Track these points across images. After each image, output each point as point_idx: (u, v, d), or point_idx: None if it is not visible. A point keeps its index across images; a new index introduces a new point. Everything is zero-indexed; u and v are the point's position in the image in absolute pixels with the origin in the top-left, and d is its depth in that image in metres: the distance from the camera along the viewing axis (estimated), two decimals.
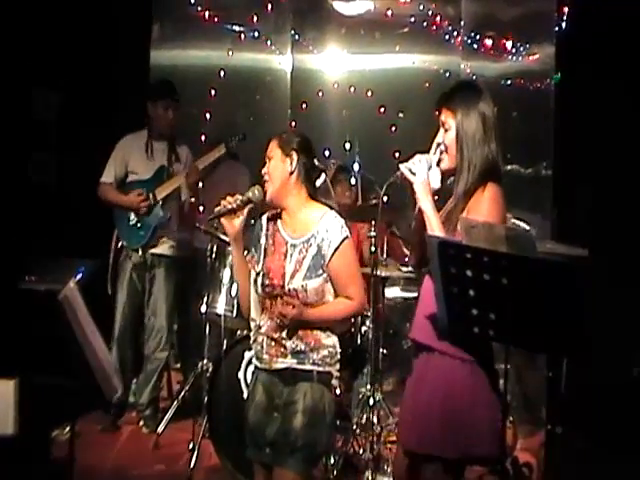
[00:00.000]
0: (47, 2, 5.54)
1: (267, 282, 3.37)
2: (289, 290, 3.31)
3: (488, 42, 6.31)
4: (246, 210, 3.40)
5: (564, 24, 5.92)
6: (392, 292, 5.44)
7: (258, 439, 3.36)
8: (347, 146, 6.44)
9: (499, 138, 3.05)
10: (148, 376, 5.38)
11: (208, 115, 6.48)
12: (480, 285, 2.68)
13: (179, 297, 5.55)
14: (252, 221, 3.55)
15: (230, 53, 6.67)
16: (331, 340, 3.38)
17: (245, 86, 6.61)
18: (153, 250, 5.35)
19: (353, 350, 4.97)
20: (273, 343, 3.35)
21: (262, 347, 3.38)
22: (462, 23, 6.45)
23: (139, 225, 5.30)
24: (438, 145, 3.06)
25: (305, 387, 3.31)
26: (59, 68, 5.67)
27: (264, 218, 3.50)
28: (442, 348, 2.97)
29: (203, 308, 4.96)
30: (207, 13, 6.61)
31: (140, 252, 5.31)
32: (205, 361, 5.06)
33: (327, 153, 6.45)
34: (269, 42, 6.74)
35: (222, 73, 6.60)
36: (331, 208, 3.40)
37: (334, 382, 3.41)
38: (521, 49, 6.20)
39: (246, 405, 3.46)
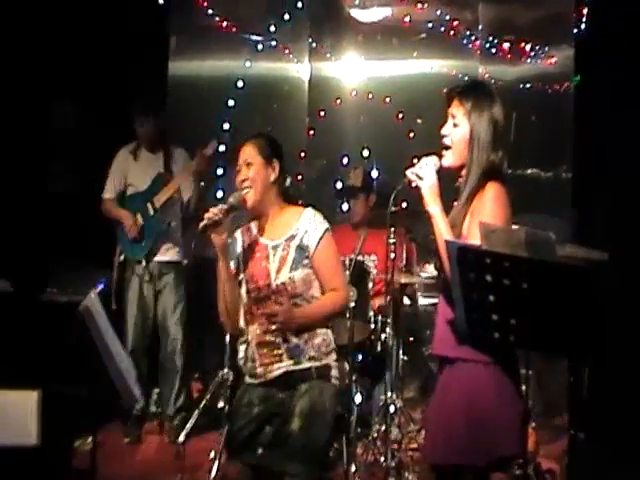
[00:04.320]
0: (65, 14, 5.59)
1: (252, 286, 3.38)
2: (277, 286, 3.32)
3: (506, 46, 6.28)
4: (229, 218, 3.42)
5: (583, 26, 5.88)
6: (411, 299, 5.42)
7: (251, 443, 3.35)
8: (365, 153, 6.44)
9: (507, 143, 3.03)
10: (169, 386, 5.36)
11: (227, 125, 6.49)
12: (500, 290, 2.65)
13: (194, 304, 5.52)
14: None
15: (248, 63, 6.68)
16: (323, 329, 3.40)
17: (263, 95, 6.61)
18: (158, 258, 5.33)
19: (373, 357, 4.97)
20: (265, 350, 3.34)
21: (254, 360, 3.37)
22: (480, 27, 6.43)
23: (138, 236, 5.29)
24: (443, 137, 3.02)
25: (304, 387, 3.31)
26: (78, 80, 5.71)
27: (238, 233, 3.54)
28: (462, 355, 2.93)
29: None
30: (224, 23, 6.62)
31: (144, 263, 5.29)
32: (225, 370, 5.05)
33: (345, 160, 6.46)
34: (287, 51, 6.74)
35: (240, 83, 6.61)
36: (306, 206, 3.47)
37: (333, 372, 3.40)
38: (539, 52, 6.17)
39: (237, 421, 3.42)
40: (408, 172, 2.99)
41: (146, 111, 5.30)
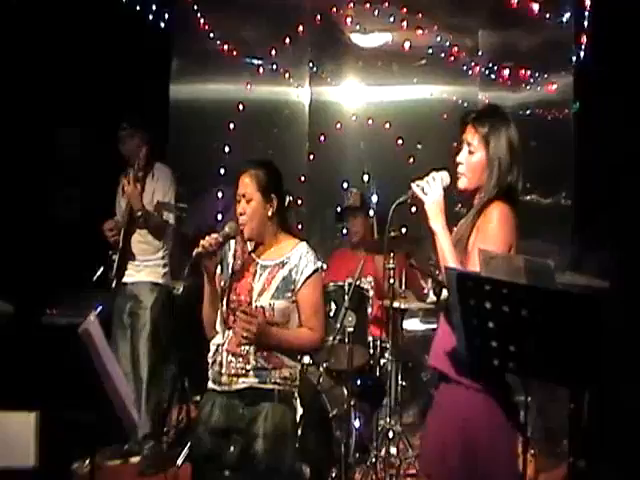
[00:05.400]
0: (68, 35, 5.63)
1: (233, 298, 3.40)
2: (256, 307, 3.35)
3: (506, 72, 6.32)
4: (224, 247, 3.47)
5: (582, 53, 5.93)
6: (411, 324, 5.43)
7: (216, 462, 3.35)
8: (365, 178, 6.46)
9: (520, 167, 3.03)
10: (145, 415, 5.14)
11: (227, 148, 6.52)
12: (499, 317, 2.66)
13: (191, 327, 5.45)
14: None
15: (249, 86, 6.72)
16: (293, 362, 3.43)
17: (264, 119, 6.65)
18: (130, 279, 5.20)
19: (372, 382, 4.96)
20: (234, 360, 3.36)
21: (222, 366, 3.38)
22: (480, 54, 6.47)
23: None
24: (458, 165, 3.01)
25: (266, 408, 3.33)
26: (81, 105, 5.74)
27: (232, 242, 3.54)
28: (457, 377, 2.94)
29: None
30: (226, 47, 6.67)
31: (114, 284, 5.15)
32: None
33: (345, 185, 6.48)
34: (287, 75, 6.78)
35: (241, 106, 6.64)
36: (302, 240, 3.50)
37: (295, 402, 3.43)
38: (539, 79, 6.21)
39: (197, 429, 3.44)
40: (413, 185, 2.97)
41: (125, 129, 5.16)
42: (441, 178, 2.95)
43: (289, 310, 3.39)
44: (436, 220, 2.91)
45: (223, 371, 3.37)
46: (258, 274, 3.43)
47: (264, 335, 3.29)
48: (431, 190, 2.93)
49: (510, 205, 2.94)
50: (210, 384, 3.45)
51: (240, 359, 3.35)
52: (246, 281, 3.43)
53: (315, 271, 3.42)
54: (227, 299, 3.43)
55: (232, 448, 3.33)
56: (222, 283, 3.46)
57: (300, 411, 3.46)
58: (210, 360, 3.46)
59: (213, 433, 3.37)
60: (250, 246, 3.53)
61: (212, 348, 3.47)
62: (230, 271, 3.48)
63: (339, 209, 5.99)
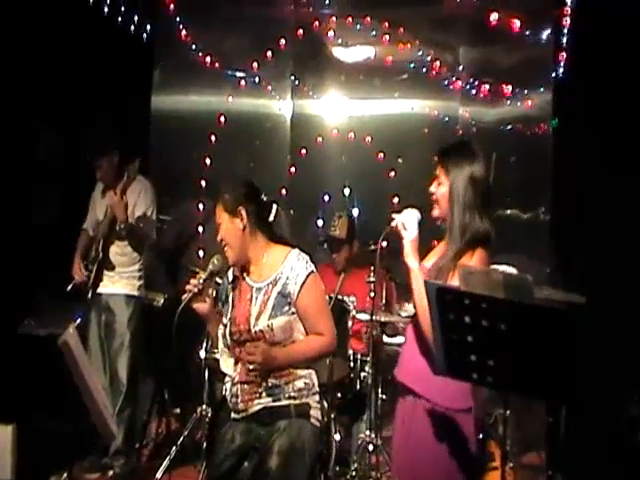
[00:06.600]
0: (51, 45, 5.63)
1: (233, 329, 3.39)
2: (255, 332, 3.32)
3: (486, 88, 6.37)
4: (212, 283, 3.46)
5: (561, 70, 6.00)
6: (392, 337, 5.43)
7: (231, 478, 3.35)
8: (346, 192, 6.48)
9: (488, 200, 3.12)
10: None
11: (208, 160, 6.52)
12: (478, 331, 2.68)
13: (161, 340, 5.40)
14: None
15: (230, 98, 6.72)
16: (306, 371, 3.39)
17: (245, 131, 6.64)
18: (105, 290, 5.14)
19: (353, 395, 4.96)
20: (247, 387, 3.36)
21: (237, 397, 3.38)
22: (460, 69, 6.52)
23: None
24: (431, 194, 3.16)
25: (283, 425, 3.31)
26: (63, 111, 5.73)
27: (230, 273, 3.53)
28: (429, 396, 3.01)
29: (202, 353, 4.96)
30: (208, 58, 6.68)
31: (90, 294, 5.11)
32: (204, 406, 5.03)
33: (327, 198, 6.50)
34: (269, 88, 6.79)
35: (222, 118, 6.64)
36: (293, 246, 3.43)
37: (313, 412, 3.37)
38: (519, 95, 6.26)
39: (218, 454, 3.42)
40: (397, 217, 3.08)
41: (94, 154, 5.12)
42: (416, 216, 3.09)
43: (289, 324, 3.33)
44: (413, 258, 3.05)
45: (239, 400, 3.38)
46: (254, 298, 3.39)
47: (271, 359, 3.27)
48: (410, 227, 3.05)
49: (487, 249, 3.06)
50: (232, 414, 3.44)
51: (252, 384, 3.35)
52: (244, 308, 3.40)
53: (309, 275, 3.33)
54: (229, 331, 3.42)
55: (246, 464, 3.34)
56: (224, 319, 3.46)
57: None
58: (227, 396, 3.46)
59: (232, 455, 3.37)
60: (242, 270, 3.49)
61: (227, 385, 3.47)
62: (230, 303, 3.46)
63: (321, 222, 5.97)
